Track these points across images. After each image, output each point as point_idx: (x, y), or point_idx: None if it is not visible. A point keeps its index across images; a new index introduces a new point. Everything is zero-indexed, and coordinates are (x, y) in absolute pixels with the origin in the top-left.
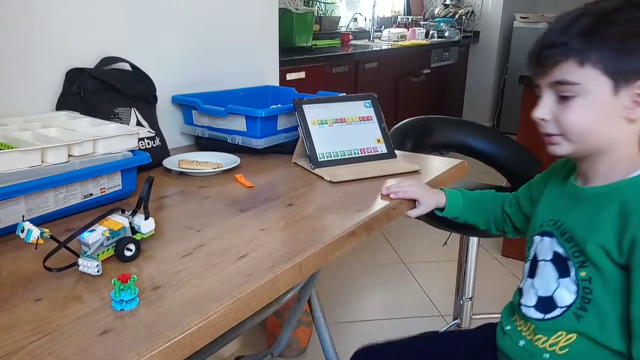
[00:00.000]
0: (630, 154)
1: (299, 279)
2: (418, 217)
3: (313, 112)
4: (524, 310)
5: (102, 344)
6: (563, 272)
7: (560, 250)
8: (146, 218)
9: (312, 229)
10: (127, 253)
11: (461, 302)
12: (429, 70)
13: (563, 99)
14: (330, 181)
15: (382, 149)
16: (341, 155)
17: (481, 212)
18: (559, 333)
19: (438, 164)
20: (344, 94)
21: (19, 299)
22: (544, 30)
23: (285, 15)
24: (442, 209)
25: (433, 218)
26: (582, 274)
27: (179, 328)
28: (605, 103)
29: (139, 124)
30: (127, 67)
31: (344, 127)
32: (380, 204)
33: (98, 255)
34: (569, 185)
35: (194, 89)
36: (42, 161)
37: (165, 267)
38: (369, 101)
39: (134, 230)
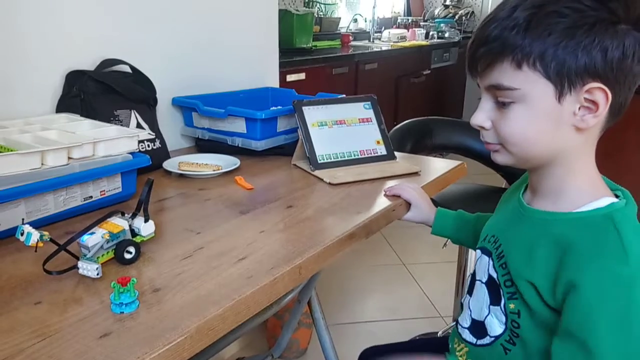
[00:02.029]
0: (582, 171)
1: (299, 281)
2: None
3: (313, 114)
4: (460, 329)
5: (101, 347)
6: (494, 299)
7: (494, 274)
8: (146, 220)
9: (312, 231)
10: (127, 256)
11: (461, 303)
12: (429, 71)
13: (501, 104)
14: (330, 183)
15: (381, 150)
16: (341, 157)
17: (472, 235)
18: None
19: (438, 165)
20: (344, 96)
21: (18, 302)
22: (482, 21)
23: (285, 16)
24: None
25: None
26: (511, 306)
27: (179, 331)
28: (548, 110)
29: (139, 126)
30: (127, 69)
31: (343, 129)
32: (379, 205)
33: (98, 258)
34: (517, 197)
35: (193, 91)
36: (42, 164)
37: (165, 270)
38: (369, 102)
39: (133, 233)
